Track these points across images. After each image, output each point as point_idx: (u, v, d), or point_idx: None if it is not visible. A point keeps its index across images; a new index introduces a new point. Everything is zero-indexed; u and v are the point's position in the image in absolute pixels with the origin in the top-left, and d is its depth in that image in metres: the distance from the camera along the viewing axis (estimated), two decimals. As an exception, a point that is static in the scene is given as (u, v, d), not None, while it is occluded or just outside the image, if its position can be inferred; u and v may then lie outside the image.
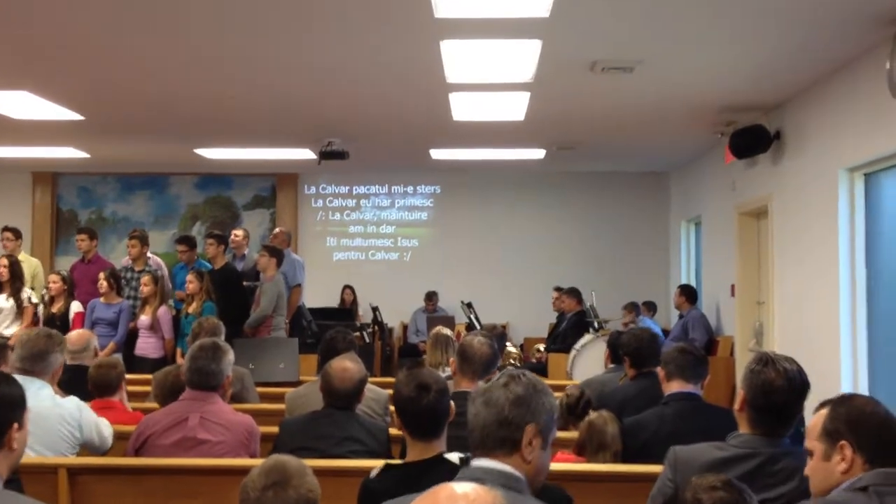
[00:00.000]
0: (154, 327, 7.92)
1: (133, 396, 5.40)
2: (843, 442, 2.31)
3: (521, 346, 11.79)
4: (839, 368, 6.29)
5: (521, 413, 2.20)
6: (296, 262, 9.45)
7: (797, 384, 2.81)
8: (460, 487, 1.52)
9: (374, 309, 10.67)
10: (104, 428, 4.05)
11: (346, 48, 5.89)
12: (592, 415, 3.95)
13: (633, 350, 4.69)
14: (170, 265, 10.21)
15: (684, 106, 7.79)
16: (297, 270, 9.37)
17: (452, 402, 3.02)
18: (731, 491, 2.37)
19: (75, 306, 8.00)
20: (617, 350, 5.51)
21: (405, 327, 12.91)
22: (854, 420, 2.34)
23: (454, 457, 2.88)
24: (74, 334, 5.59)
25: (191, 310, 7.86)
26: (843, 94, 6.34)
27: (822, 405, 2.43)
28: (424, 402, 2.92)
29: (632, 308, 11.28)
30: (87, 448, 3.99)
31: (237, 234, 9.80)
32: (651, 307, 11.50)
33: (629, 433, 3.83)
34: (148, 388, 5.04)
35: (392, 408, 4.75)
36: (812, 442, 2.39)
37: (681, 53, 6.04)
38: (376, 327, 10.58)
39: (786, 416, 2.82)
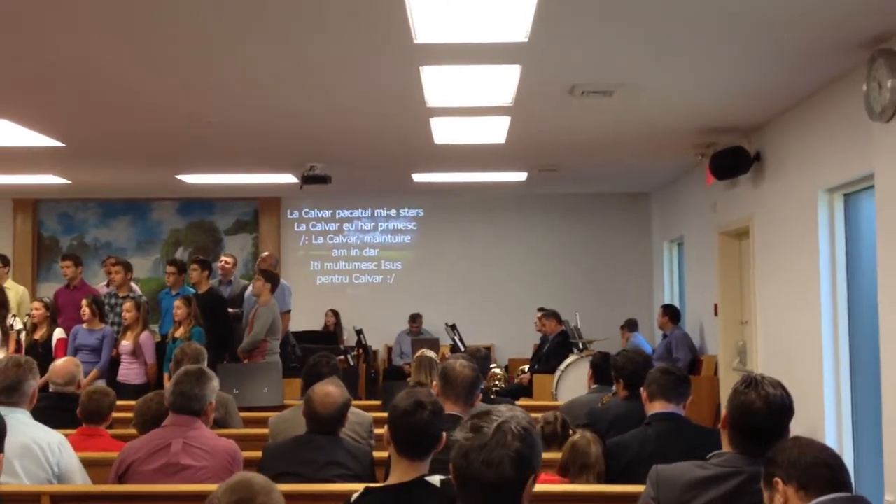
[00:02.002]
0: (136, 353, 7.89)
1: (116, 422, 5.37)
2: (775, 479, 2.44)
3: (506, 367, 11.81)
4: (822, 387, 6.33)
5: (520, 470, 2.15)
6: (284, 288, 9.45)
7: (777, 408, 2.84)
8: None
9: (359, 332, 10.66)
10: (83, 474, 4.00)
11: (326, 73, 5.92)
12: (576, 436, 3.97)
13: (629, 373, 4.75)
14: (153, 290, 10.20)
15: (665, 128, 7.85)
16: (286, 296, 9.38)
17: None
18: None
19: (58, 333, 7.97)
20: (600, 371, 5.55)
21: (390, 350, 12.90)
22: (775, 455, 2.49)
23: (435, 480, 2.89)
24: (60, 365, 5.54)
25: (178, 334, 7.84)
26: (822, 117, 6.42)
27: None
28: (419, 418, 2.95)
29: (627, 327, 11.37)
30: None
31: (227, 260, 9.80)
32: (632, 325, 11.52)
33: (612, 453, 3.85)
34: (131, 415, 5.01)
35: (378, 431, 4.77)
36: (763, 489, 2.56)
37: (660, 77, 6.10)
38: (360, 350, 10.57)
39: (765, 438, 2.83)
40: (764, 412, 2.81)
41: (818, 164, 6.50)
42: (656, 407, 3.91)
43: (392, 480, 2.94)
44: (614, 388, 4.97)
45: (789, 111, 7.05)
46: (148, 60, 5.60)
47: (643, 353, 4.96)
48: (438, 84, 6.16)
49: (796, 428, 6.22)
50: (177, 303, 7.99)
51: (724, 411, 2.93)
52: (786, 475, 2.40)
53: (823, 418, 6.25)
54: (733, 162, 7.89)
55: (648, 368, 4.66)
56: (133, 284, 9.38)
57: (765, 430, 2.83)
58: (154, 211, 13.32)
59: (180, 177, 10.57)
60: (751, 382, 2.88)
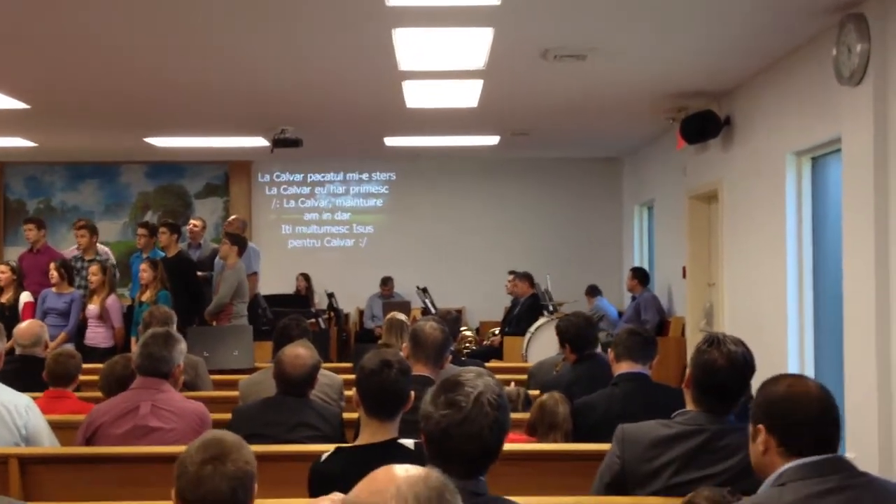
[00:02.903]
0: (103, 317, 7.84)
1: (84, 386, 5.35)
2: (759, 425, 2.36)
3: (477, 330, 11.87)
4: (786, 348, 6.43)
5: (500, 435, 2.26)
6: (252, 250, 9.41)
7: (739, 366, 2.87)
8: (401, 469, 1.52)
9: (330, 295, 10.66)
10: (51, 437, 3.99)
11: (298, 36, 5.86)
12: (543, 396, 4.01)
13: (572, 336, 4.78)
14: (123, 254, 10.13)
15: (636, 93, 7.86)
16: (253, 258, 9.33)
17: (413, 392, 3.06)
18: (731, 497, 2.47)
19: (25, 296, 7.90)
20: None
21: (361, 313, 12.92)
22: (766, 403, 2.37)
23: (409, 443, 2.92)
24: (24, 327, 5.52)
25: (145, 298, 7.80)
26: (791, 81, 6.45)
27: (759, 387, 2.47)
28: (386, 376, 2.97)
29: (590, 292, 11.42)
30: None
31: (195, 223, 9.74)
32: (594, 290, 11.53)
33: (579, 413, 3.90)
34: (97, 378, 4.99)
35: (348, 392, 4.78)
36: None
37: (632, 41, 6.10)
38: (332, 313, 10.58)
39: (727, 396, 2.88)
40: (727, 370, 2.85)
41: (787, 128, 6.55)
42: (623, 367, 3.95)
43: (362, 441, 2.96)
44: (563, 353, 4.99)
45: (759, 75, 7.08)
46: (114, 21, 5.52)
47: (585, 316, 5.01)
48: (411, 47, 6.12)
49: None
50: (142, 266, 7.93)
51: (688, 371, 2.94)
52: (770, 426, 2.34)
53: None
54: (703, 126, 7.93)
55: (591, 330, 4.72)
56: (104, 247, 9.31)
57: (728, 387, 2.87)
58: (122, 174, 13.18)
59: (149, 140, 10.45)
60: (713, 341, 2.90)
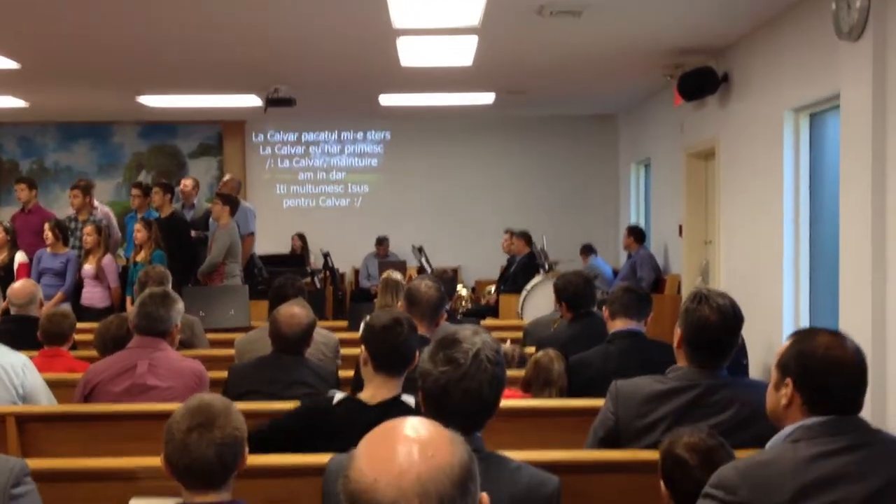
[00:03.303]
0: (99, 277, 7.84)
1: (81, 345, 5.37)
2: (788, 379, 2.29)
3: (473, 289, 11.89)
4: (782, 305, 6.45)
5: (498, 391, 2.27)
6: (247, 211, 9.39)
7: (730, 319, 2.87)
8: (411, 425, 1.37)
9: (325, 255, 10.66)
10: (49, 395, 4.00)
11: (289, -10, 5.80)
12: (538, 353, 4.02)
13: (570, 295, 4.78)
14: (118, 214, 10.10)
15: (633, 49, 7.80)
16: (249, 218, 9.32)
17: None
18: (710, 438, 2.47)
19: (19, 256, 7.89)
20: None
21: (357, 272, 12.93)
22: (802, 359, 2.29)
23: (411, 400, 2.94)
24: (18, 286, 5.51)
25: (139, 258, 7.80)
26: (790, 36, 6.40)
27: (792, 335, 2.40)
28: (399, 333, 3.01)
29: (585, 251, 11.41)
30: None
31: (186, 182, 9.71)
32: (589, 250, 11.50)
33: (574, 370, 3.92)
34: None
35: (344, 351, 4.80)
36: (773, 367, 2.39)
37: (627, -5, 6.04)
38: (327, 273, 10.58)
39: (721, 350, 2.89)
40: (719, 324, 2.84)
41: (785, 84, 6.51)
42: (618, 324, 3.97)
43: (367, 395, 2.97)
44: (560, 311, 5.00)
45: (757, 31, 7.02)
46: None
47: (582, 274, 5.00)
48: (404, 3, 6.05)
49: (755, 344, 6.35)
50: (136, 226, 7.93)
51: (678, 331, 2.92)
52: (800, 384, 2.27)
53: (782, 334, 6.38)
54: (701, 82, 7.88)
55: (588, 288, 4.73)
56: (105, 208, 9.30)
57: (721, 341, 2.87)
58: (115, 135, 13.10)
59: (141, 99, 10.37)
60: (700, 298, 2.89)
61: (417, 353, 3.03)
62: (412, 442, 1.32)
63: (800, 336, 2.36)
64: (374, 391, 2.98)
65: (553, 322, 5.13)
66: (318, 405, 2.97)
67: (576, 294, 4.75)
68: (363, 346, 3.05)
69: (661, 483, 2.51)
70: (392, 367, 3.00)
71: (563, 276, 4.99)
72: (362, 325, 3.12)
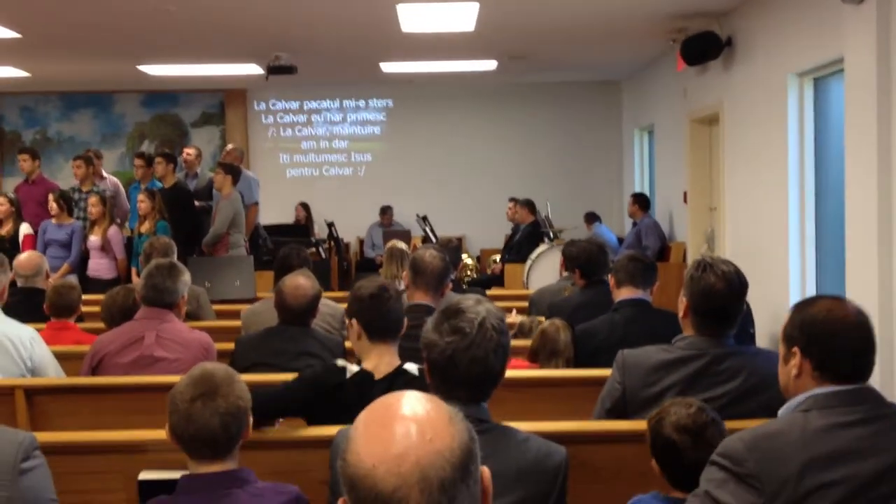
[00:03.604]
0: (105, 248, 7.84)
1: (89, 317, 5.38)
2: (794, 348, 2.26)
3: (478, 258, 11.89)
4: (788, 272, 6.44)
5: (504, 359, 2.28)
6: (251, 180, 9.37)
7: (736, 286, 2.87)
8: (408, 404, 1.32)
9: (330, 225, 10.65)
10: (57, 368, 4.01)
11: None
12: (545, 323, 4.02)
13: (584, 262, 4.77)
14: (122, 183, 10.08)
15: (636, 12, 7.73)
16: (253, 188, 9.31)
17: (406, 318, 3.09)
18: (699, 414, 2.45)
19: (24, 228, 7.88)
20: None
21: (361, 242, 12.93)
22: (806, 326, 2.26)
23: (413, 368, 2.94)
24: (24, 258, 5.50)
25: (143, 229, 7.80)
26: (793, 0, 6.34)
27: (794, 306, 2.37)
28: (388, 299, 3.01)
29: (588, 219, 11.38)
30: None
31: (189, 152, 9.68)
32: (593, 217, 11.47)
33: (581, 340, 3.92)
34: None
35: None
36: (780, 342, 2.36)
37: (631, -41, 5.97)
38: (332, 243, 10.58)
39: (728, 317, 2.88)
40: (725, 291, 2.84)
41: (788, 49, 6.45)
42: (624, 293, 3.96)
43: (371, 366, 2.96)
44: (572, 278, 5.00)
45: (762, -6, 6.95)
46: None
47: (597, 242, 4.99)
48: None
49: (761, 312, 6.34)
50: (140, 196, 7.91)
51: (683, 301, 2.91)
52: (807, 350, 2.23)
53: (788, 301, 6.38)
54: (704, 47, 7.82)
55: (602, 256, 4.72)
56: (113, 178, 9.29)
57: (727, 308, 2.86)
58: (117, 104, 13.05)
59: (142, 68, 10.32)
60: (705, 266, 2.88)
61: (405, 321, 3.07)
62: (410, 422, 1.28)
63: (800, 305, 2.34)
64: (376, 361, 2.97)
65: (563, 290, 5.13)
66: (330, 377, 2.96)
67: (589, 261, 4.74)
68: (353, 321, 3.02)
69: (653, 461, 2.50)
70: (386, 333, 2.99)
71: (576, 243, 4.98)
72: (349, 300, 3.10)
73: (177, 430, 2.25)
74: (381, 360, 2.96)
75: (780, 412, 2.30)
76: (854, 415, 2.15)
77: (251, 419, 2.35)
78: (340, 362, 3.01)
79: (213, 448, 2.25)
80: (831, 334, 2.22)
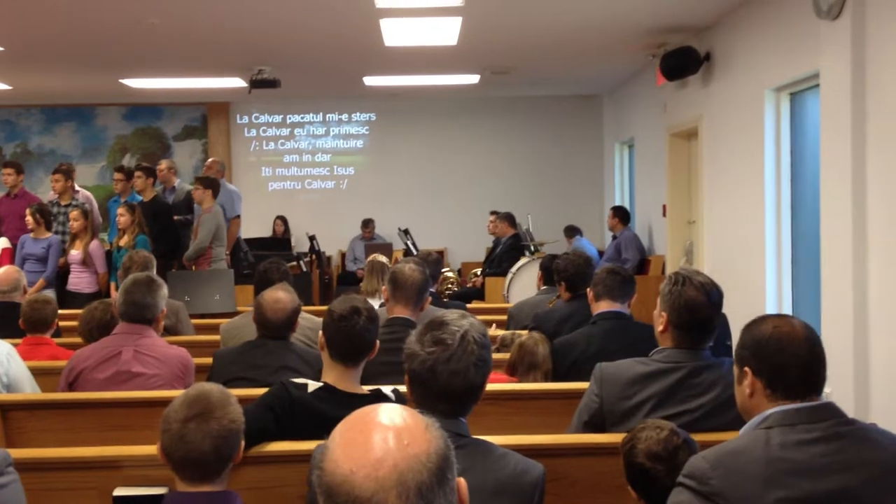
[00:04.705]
0: (86, 262, 7.80)
1: (67, 332, 5.34)
2: (745, 368, 2.28)
3: (459, 271, 11.90)
4: (765, 285, 6.49)
5: (485, 374, 2.28)
6: (233, 193, 9.35)
7: (715, 296, 2.89)
8: (386, 413, 1.33)
9: (311, 238, 10.64)
10: (32, 383, 3.98)
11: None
12: (524, 336, 4.03)
13: (571, 275, 4.79)
14: (101, 198, 10.03)
15: (616, 28, 7.79)
16: (235, 201, 9.28)
17: (384, 335, 3.05)
18: (672, 437, 2.43)
19: (2, 242, 7.85)
20: (550, 273, 5.61)
21: (343, 255, 12.92)
22: (752, 345, 2.28)
23: (388, 391, 2.94)
24: (2, 273, 5.46)
25: (122, 243, 7.76)
26: (770, 15, 6.41)
27: (743, 328, 2.39)
28: (355, 324, 2.95)
29: (568, 233, 11.40)
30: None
31: (160, 166, 9.64)
32: (573, 231, 11.51)
33: (559, 352, 3.93)
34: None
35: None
36: (733, 364, 2.38)
37: (610, -25, 6.03)
38: (313, 256, 10.57)
39: (709, 328, 2.90)
40: (706, 303, 2.86)
41: (765, 64, 6.52)
42: (602, 306, 3.98)
43: (329, 380, 2.95)
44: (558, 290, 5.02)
45: (738, 10, 7.02)
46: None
47: (584, 255, 5.00)
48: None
49: (739, 324, 6.37)
50: (119, 210, 7.87)
51: (663, 315, 2.91)
52: (757, 369, 2.25)
53: (765, 313, 6.42)
54: (683, 62, 7.89)
55: (589, 270, 4.73)
56: (86, 192, 9.23)
57: (709, 320, 2.88)
58: (99, 117, 13.01)
59: (125, 81, 10.30)
60: (683, 280, 2.89)
61: (377, 344, 3.03)
62: (387, 429, 1.28)
63: (749, 325, 2.35)
64: (335, 379, 2.95)
65: (548, 302, 5.15)
66: (288, 394, 2.91)
67: (577, 274, 4.75)
68: (321, 331, 3.02)
69: (629, 487, 2.48)
70: (345, 355, 2.95)
71: (563, 256, 4.99)
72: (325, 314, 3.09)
73: (168, 450, 2.24)
74: (339, 381, 2.94)
75: (742, 430, 2.30)
76: (816, 432, 2.16)
77: (243, 442, 2.34)
78: (300, 380, 2.98)
79: (203, 470, 2.24)
80: (778, 350, 2.23)
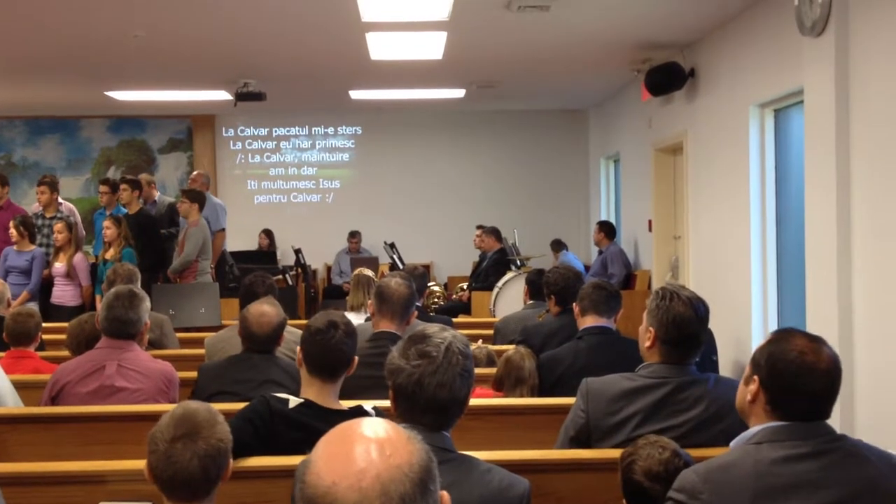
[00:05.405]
0: (70, 275, 7.76)
1: (51, 345, 5.31)
2: (756, 376, 2.28)
3: (445, 285, 11.89)
4: (750, 299, 6.51)
5: (468, 386, 2.30)
6: (218, 206, 9.33)
7: (702, 310, 2.91)
8: (368, 426, 1.32)
9: (297, 251, 10.62)
10: (15, 397, 3.95)
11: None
12: (510, 351, 4.03)
13: (560, 289, 4.79)
14: (86, 211, 9.98)
15: (601, 43, 7.83)
16: (220, 214, 9.26)
17: (370, 349, 3.04)
18: (672, 459, 2.43)
19: (-14, 254, 7.79)
20: (536, 287, 5.62)
21: (329, 269, 12.89)
22: (772, 362, 2.25)
23: (370, 408, 2.93)
24: (-14, 286, 5.45)
25: (108, 256, 7.72)
26: (755, 32, 6.46)
27: (773, 333, 2.37)
28: (331, 338, 2.94)
29: (555, 247, 11.43)
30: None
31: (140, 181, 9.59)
32: (559, 245, 11.53)
33: (545, 367, 3.93)
34: (65, 337, 4.95)
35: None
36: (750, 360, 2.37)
37: (596, -9, 6.06)
38: (299, 269, 10.55)
39: (697, 343, 2.92)
40: (694, 318, 2.87)
41: (749, 80, 6.57)
42: (588, 321, 3.98)
43: (308, 396, 2.94)
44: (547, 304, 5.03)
45: (723, 26, 7.07)
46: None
47: (574, 270, 5.02)
48: (373, -2, 6.04)
49: (724, 339, 6.37)
50: (105, 223, 7.83)
51: (650, 331, 2.91)
52: (767, 384, 2.24)
53: (751, 329, 6.44)
54: (668, 78, 7.94)
55: (579, 284, 4.73)
56: (69, 204, 9.18)
57: (695, 334, 2.89)
58: (84, 129, 12.95)
59: (110, 93, 10.27)
60: (671, 296, 2.90)
61: (356, 359, 3.02)
62: (369, 441, 1.28)
63: (777, 336, 2.33)
64: (314, 394, 2.93)
65: (537, 316, 5.15)
66: (268, 409, 2.89)
67: (566, 288, 4.75)
68: (299, 346, 3.01)
69: (623, 501, 2.49)
70: (322, 369, 2.94)
71: (553, 270, 5.01)
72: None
73: (155, 471, 2.21)
74: (318, 397, 2.93)
75: (732, 444, 2.32)
76: (805, 447, 2.18)
77: (231, 460, 2.32)
78: (282, 395, 2.97)
79: (192, 490, 2.21)
80: (794, 378, 2.22)
